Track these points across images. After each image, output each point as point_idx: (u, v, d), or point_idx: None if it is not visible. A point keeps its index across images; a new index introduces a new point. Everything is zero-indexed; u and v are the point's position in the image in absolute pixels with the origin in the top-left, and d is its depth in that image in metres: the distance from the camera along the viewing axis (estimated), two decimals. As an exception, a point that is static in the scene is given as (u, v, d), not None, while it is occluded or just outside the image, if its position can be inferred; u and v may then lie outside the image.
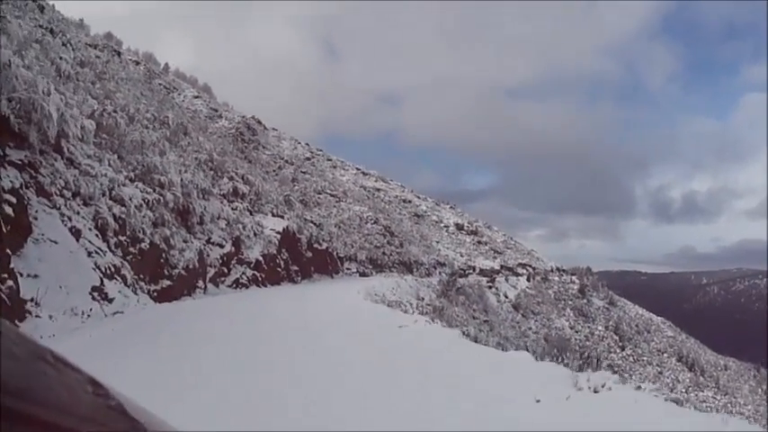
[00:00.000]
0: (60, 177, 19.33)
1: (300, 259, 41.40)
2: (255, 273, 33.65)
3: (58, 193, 18.83)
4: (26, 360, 0.47)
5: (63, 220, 18.10)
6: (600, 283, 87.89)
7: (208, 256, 30.05)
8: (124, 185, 23.57)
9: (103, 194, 21.66)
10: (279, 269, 37.37)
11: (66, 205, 19.02)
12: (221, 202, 34.96)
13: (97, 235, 19.95)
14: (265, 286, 34.30)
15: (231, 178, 38.95)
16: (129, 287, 20.18)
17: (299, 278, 40.40)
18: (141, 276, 22.16)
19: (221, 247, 31.46)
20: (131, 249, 21.92)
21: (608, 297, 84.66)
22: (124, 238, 21.67)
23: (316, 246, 44.94)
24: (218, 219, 33.00)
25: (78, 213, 19.50)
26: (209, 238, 31.11)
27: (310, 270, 43.19)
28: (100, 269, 18.29)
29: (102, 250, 19.29)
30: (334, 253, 49.60)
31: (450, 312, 40.60)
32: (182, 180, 29.03)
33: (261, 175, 50.39)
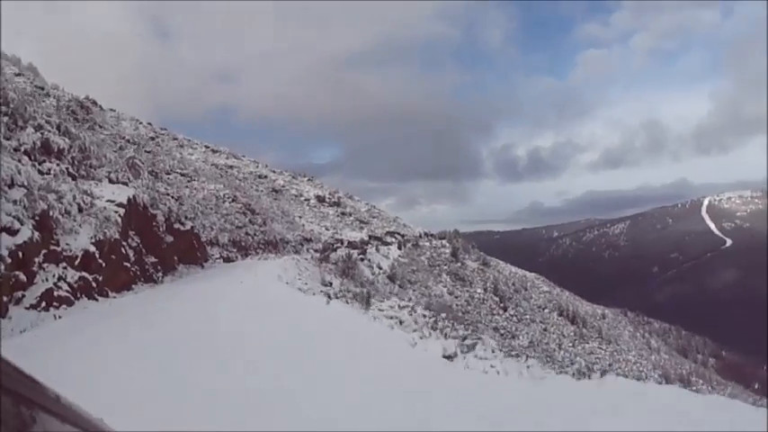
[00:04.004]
0: None
1: (159, 246, 24.82)
2: (84, 275, 16.78)
3: None
4: None
5: None
6: (470, 245, 78.90)
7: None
8: None
9: None
10: (126, 263, 20.51)
11: None
12: (19, 161, 17.67)
13: None
14: (105, 296, 17.49)
15: (39, 127, 21.35)
16: None
17: (161, 274, 23.63)
18: None
19: (11, 233, 14.43)
20: None
21: (481, 258, 75.04)
22: None
23: (177, 226, 28.30)
24: (11, 186, 15.86)
25: None
26: (-15, 219, 14.04)
27: (173, 261, 26.59)
28: None
29: None
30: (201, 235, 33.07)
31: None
32: None
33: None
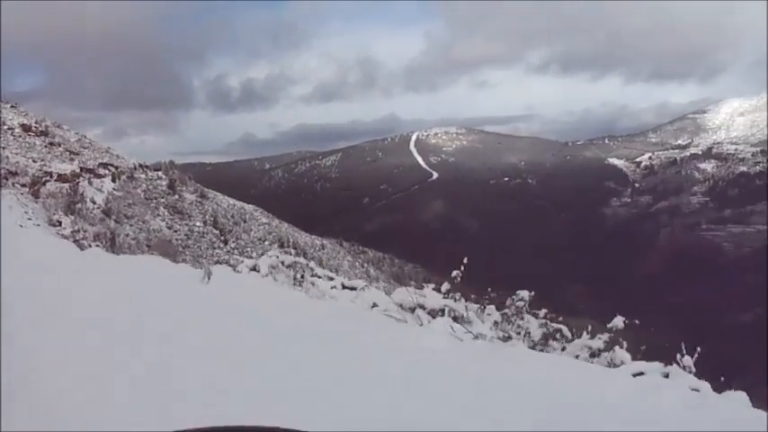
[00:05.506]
0: None
1: None
2: None
3: None
4: None
5: None
6: (187, 177, 76.00)
7: None
8: None
9: None
10: None
11: None
12: None
13: None
14: None
15: None
16: None
17: None
18: None
19: None
20: None
21: (198, 190, 73.38)
22: None
23: None
24: None
25: None
26: None
27: None
28: None
29: None
30: None
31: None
32: None
33: None
